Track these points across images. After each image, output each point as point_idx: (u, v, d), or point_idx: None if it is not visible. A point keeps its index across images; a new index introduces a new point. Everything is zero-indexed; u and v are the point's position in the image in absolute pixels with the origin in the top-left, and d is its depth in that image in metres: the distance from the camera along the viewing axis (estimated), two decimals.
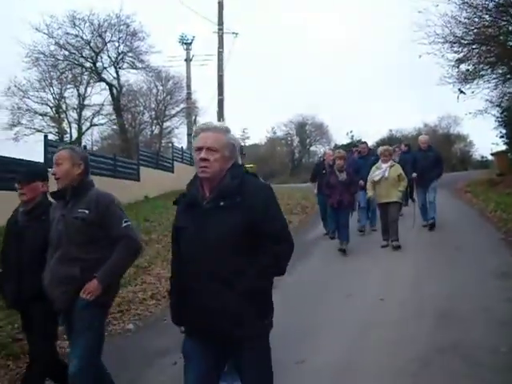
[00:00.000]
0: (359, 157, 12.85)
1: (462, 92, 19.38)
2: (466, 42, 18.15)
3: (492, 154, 25.92)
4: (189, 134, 32.70)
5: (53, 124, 30.42)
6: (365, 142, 14.07)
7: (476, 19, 17.48)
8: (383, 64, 78.68)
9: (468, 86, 19.53)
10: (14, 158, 12.57)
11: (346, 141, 41.14)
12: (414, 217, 11.09)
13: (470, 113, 21.29)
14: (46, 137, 14.81)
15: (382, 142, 33.98)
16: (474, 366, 4.54)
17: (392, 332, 5.56)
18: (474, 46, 18.39)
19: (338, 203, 9.75)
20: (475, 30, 17.66)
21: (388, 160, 10.15)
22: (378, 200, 10.19)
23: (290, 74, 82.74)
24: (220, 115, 23.22)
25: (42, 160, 13.25)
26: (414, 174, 11.15)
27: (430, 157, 11.31)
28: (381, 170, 10.01)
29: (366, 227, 11.98)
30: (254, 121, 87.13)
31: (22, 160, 12.57)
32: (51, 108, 30.20)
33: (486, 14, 17.15)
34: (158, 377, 4.87)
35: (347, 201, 9.82)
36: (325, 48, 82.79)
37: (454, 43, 18.21)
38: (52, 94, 29.79)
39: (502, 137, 22.15)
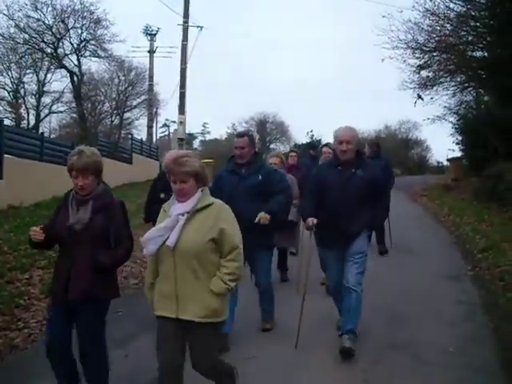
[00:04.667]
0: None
1: (420, 97, 19.84)
2: (427, 49, 18.52)
3: (448, 160, 26.61)
4: (149, 127, 32.45)
5: (10, 109, 29.71)
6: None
7: (438, 27, 17.88)
8: (346, 65, 79.75)
9: (428, 92, 20.06)
10: None
11: (305, 140, 41.36)
12: (304, 292, 5.37)
13: (428, 118, 21.87)
14: (1, 121, 14.36)
15: None
16: (423, 364, 4.69)
17: None
18: (434, 54, 18.79)
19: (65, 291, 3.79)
20: (437, 38, 18.03)
21: (188, 194, 3.52)
22: (155, 308, 3.61)
23: (252, 71, 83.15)
24: (181, 108, 23.05)
25: None
26: (313, 220, 5.12)
27: (356, 178, 5.14)
28: (165, 223, 3.53)
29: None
30: (215, 116, 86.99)
31: None
32: (9, 93, 29.48)
33: (448, 23, 17.53)
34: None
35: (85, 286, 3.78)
36: (286, 45, 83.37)
37: (416, 49, 18.58)
38: (10, 78, 29.04)
39: (458, 143, 22.86)
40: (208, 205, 3.51)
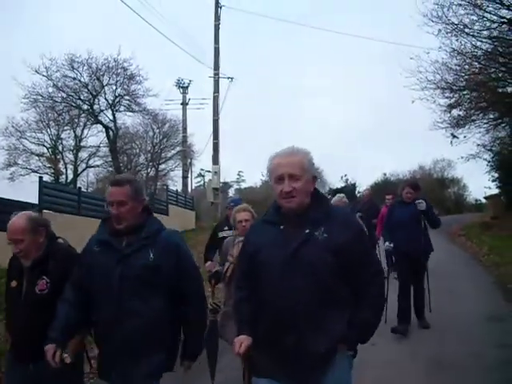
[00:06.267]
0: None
1: (454, 136, 19.72)
2: (457, 88, 18.52)
3: (485, 198, 26.16)
4: (184, 177, 32.88)
5: (49, 165, 30.52)
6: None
7: (466, 66, 17.89)
8: (378, 108, 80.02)
9: (460, 130, 19.92)
10: (9, 200, 12.56)
11: (340, 184, 41.20)
12: None
13: (462, 157, 21.64)
14: (41, 178, 14.83)
15: (376, 187, 34.10)
16: None
17: (385, 374, 5.52)
18: (464, 92, 18.77)
19: None
20: (466, 77, 18.05)
21: None
22: None
23: (284, 117, 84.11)
24: (215, 159, 23.38)
25: (36, 201, 13.26)
26: (241, 342, 2.69)
27: (315, 246, 2.58)
28: None
29: None
30: (250, 163, 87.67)
31: (18, 201, 12.57)
32: (48, 149, 30.40)
33: (476, 61, 17.54)
34: None
35: None
36: (318, 92, 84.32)
37: (446, 89, 18.59)
38: (49, 135, 30.02)
39: (494, 180, 22.54)
40: None
